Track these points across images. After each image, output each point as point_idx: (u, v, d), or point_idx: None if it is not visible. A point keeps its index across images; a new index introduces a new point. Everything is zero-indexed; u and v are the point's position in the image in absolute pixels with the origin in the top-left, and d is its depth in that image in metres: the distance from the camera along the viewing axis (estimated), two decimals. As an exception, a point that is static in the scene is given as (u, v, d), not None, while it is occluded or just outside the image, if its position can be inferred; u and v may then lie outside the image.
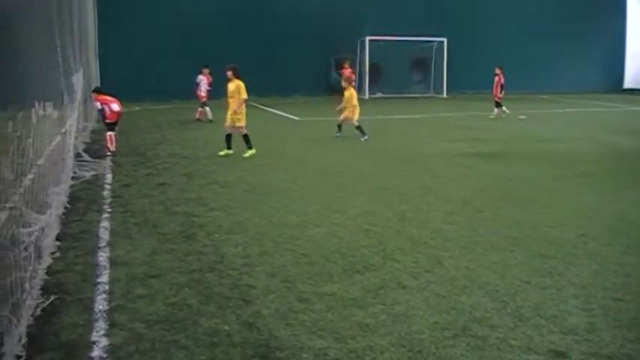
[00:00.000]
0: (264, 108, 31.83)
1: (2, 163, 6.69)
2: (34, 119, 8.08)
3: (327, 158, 17.13)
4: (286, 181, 13.89)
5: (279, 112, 30.73)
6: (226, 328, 6.41)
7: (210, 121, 25.68)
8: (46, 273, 7.94)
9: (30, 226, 7.53)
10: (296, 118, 28.23)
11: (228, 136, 17.43)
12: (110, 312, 6.84)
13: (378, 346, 5.99)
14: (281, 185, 13.47)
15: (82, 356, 5.85)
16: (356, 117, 21.50)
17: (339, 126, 21.94)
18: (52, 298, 7.16)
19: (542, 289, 7.52)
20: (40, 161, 10.54)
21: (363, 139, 20.71)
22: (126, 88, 26.71)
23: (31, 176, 8.76)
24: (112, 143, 17.70)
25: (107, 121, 17.83)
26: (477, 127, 24.65)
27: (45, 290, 7.39)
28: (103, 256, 8.75)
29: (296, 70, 38.80)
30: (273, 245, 9.21)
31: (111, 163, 16.33)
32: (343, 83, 22.24)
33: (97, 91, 18.87)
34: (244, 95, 17.05)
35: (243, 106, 17.29)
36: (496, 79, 28.39)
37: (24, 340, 5.98)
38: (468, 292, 7.40)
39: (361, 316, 6.68)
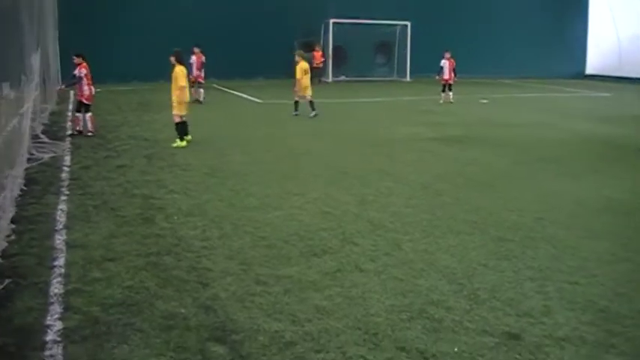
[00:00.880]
0: (227, 90, 31.65)
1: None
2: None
3: (288, 141, 17.09)
4: (247, 164, 13.84)
5: (242, 95, 30.55)
6: (183, 311, 6.40)
7: (200, 102, 25.53)
8: (1, 256, 7.84)
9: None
10: (258, 100, 28.11)
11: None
12: (66, 295, 6.79)
13: (333, 329, 6.02)
14: (241, 168, 13.42)
15: (36, 341, 5.80)
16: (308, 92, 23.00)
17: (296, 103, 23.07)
18: (6, 282, 7.08)
19: (499, 272, 7.62)
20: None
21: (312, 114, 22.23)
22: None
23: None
24: (92, 124, 17.64)
25: (85, 102, 17.50)
26: (438, 112, 24.73)
27: (-1, 274, 7.31)
28: (59, 239, 8.67)
29: (259, 53, 38.49)
30: (232, 228, 9.20)
31: (69, 145, 16.11)
32: (297, 58, 23.28)
33: (81, 55, 17.95)
34: (181, 82, 15.96)
35: (179, 93, 15.98)
36: (448, 63, 28.33)
37: (-24, 324, 5.93)
38: (426, 275, 7.46)
39: (318, 299, 6.72)
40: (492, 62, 45.04)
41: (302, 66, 23.03)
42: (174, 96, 15.96)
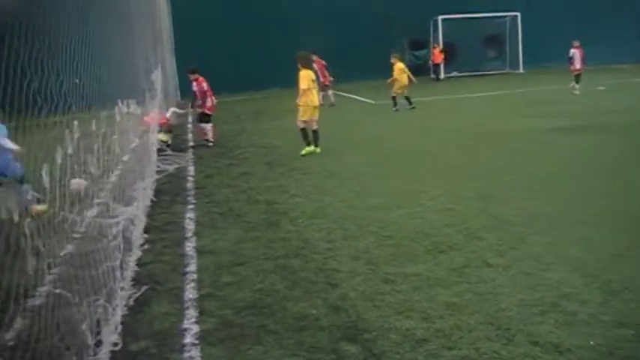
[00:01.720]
0: (341, 93, 31.86)
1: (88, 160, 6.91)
2: (117, 117, 8.29)
3: (403, 140, 17.07)
4: (364, 165, 13.90)
5: (355, 97, 30.75)
6: (314, 311, 6.48)
7: (332, 104, 26.33)
8: (137, 264, 8.17)
9: (116, 216, 7.75)
10: (372, 101, 28.18)
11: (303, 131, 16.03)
12: (199, 300, 7.00)
13: (465, 325, 5.97)
14: (359, 169, 13.49)
15: (175, 344, 6.01)
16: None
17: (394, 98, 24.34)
18: (144, 288, 7.37)
19: (632, 262, 7.36)
20: (126, 157, 10.84)
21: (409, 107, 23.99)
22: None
23: (117, 172, 9.03)
24: (212, 134, 18.23)
25: (206, 112, 18.13)
26: (554, 102, 24.16)
27: (136, 281, 7.62)
28: (189, 246, 8.96)
29: (370, 54, 38.59)
30: (356, 228, 9.26)
31: (192, 156, 16.62)
32: (392, 60, 24.82)
33: (195, 70, 18.36)
34: (303, 85, 15.43)
35: (305, 97, 15.52)
36: (577, 52, 27.33)
37: (119, 328, 6.19)
38: (555, 268, 7.29)
39: (447, 296, 6.67)
40: (608, 47, 43.55)
41: (399, 66, 24.48)
42: (299, 99, 15.64)
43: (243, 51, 36.56)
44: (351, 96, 30.98)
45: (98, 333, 5.80)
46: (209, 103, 17.98)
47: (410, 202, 10.52)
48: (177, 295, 7.19)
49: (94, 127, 7.95)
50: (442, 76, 40.54)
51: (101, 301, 5.97)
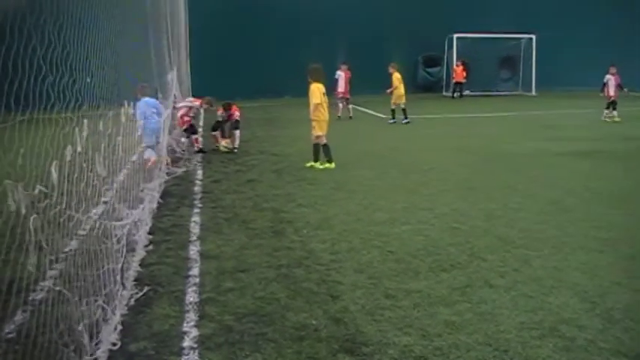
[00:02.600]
0: (355, 107, 31.90)
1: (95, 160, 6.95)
2: (122, 118, 8.33)
3: (413, 156, 17.07)
4: (372, 179, 13.92)
5: (366, 110, 30.79)
6: (314, 322, 6.50)
7: (350, 117, 26.48)
8: (140, 265, 8.21)
9: (122, 220, 7.79)
10: (382, 115, 28.19)
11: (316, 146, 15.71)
12: (200, 304, 7.03)
13: (464, 344, 5.98)
14: (367, 183, 13.52)
15: (174, 346, 6.04)
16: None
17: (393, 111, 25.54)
18: (146, 289, 7.40)
19: (633, 290, 7.35)
20: (134, 157, 10.88)
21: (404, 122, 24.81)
22: (215, 87, 27.09)
23: (124, 172, 9.07)
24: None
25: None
26: (565, 126, 24.14)
27: (139, 282, 7.66)
28: (193, 250, 8.99)
29: (384, 69, 38.71)
30: (361, 242, 9.27)
31: (201, 160, 16.67)
32: (390, 69, 26.31)
33: (229, 106, 18.60)
34: (315, 100, 15.14)
35: (317, 112, 15.23)
36: (613, 78, 26.66)
37: (119, 328, 6.22)
38: (556, 292, 7.30)
39: (447, 314, 6.68)
40: (621, 73, 43.51)
41: (397, 76, 25.68)
42: (312, 114, 15.27)
43: (258, 58, 36.73)
44: (365, 110, 31.03)
45: (97, 332, 5.83)
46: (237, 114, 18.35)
47: (416, 218, 10.53)
48: (179, 298, 7.22)
49: (101, 126, 8.00)
50: (464, 92, 40.46)
51: (100, 302, 6.00)
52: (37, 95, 5.13)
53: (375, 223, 10.30)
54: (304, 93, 15.71)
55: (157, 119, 13.51)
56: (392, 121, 25.23)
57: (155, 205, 11.16)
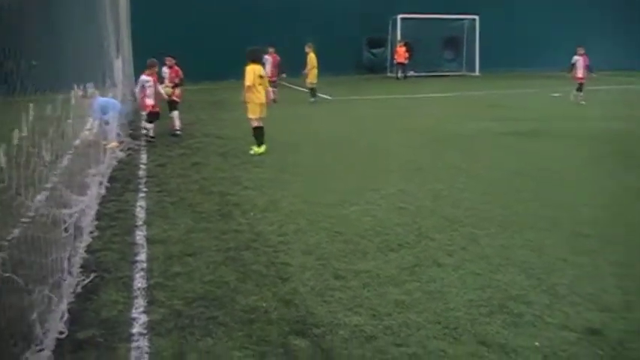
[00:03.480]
0: (297, 88, 31.78)
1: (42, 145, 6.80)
2: (72, 101, 8.17)
3: (359, 137, 17.10)
4: (319, 161, 13.93)
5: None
6: (264, 305, 6.48)
7: (274, 101, 25.90)
8: (86, 251, 8.06)
9: (70, 207, 7.65)
10: (328, 97, 28.19)
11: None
12: (149, 289, 6.95)
13: (414, 323, 6.03)
14: (314, 165, 13.52)
15: (123, 333, 5.96)
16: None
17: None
18: (92, 276, 7.27)
19: (578, 267, 7.51)
20: (78, 142, 10.69)
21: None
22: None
23: (69, 157, 8.90)
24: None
25: (176, 99, 18.19)
26: (509, 106, 24.45)
27: (85, 268, 7.51)
28: (140, 235, 8.87)
29: (329, 49, 38.65)
30: (308, 223, 9.27)
31: (145, 144, 16.46)
32: (307, 49, 26.94)
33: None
34: (246, 81, 14.62)
35: (249, 94, 14.76)
36: (581, 59, 25.67)
37: (66, 316, 6.10)
38: (504, 270, 7.40)
39: (397, 294, 6.73)
40: (565, 54, 44.18)
41: (312, 56, 26.49)
42: (244, 97, 14.90)
43: (202, 41, 36.29)
44: (308, 91, 30.92)
45: (44, 321, 5.72)
46: (178, 91, 18.01)
47: (363, 199, 10.56)
48: (126, 284, 7.12)
49: (49, 111, 7.82)
50: (408, 74, 40.59)
51: (47, 290, 5.88)
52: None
53: (322, 204, 10.30)
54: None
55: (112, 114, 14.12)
56: (313, 99, 26.11)
57: (103, 191, 10.98)
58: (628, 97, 28.18)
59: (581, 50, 25.80)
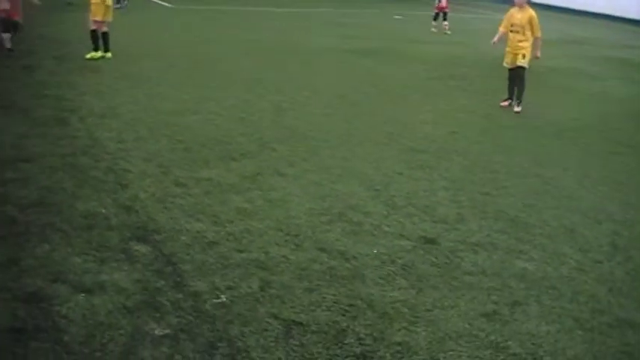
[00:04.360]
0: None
1: None
2: None
3: (201, 48, 16.76)
4: (160, 70, 13.57)
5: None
6: (103, 211, 6.36)
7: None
8: None
9: None
10: (168, 5, 27.36)
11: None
12: (-22, 196, 6.63)
13: (256, 230, 6.12)
14: (154, 73, 13.17)
15: (-51, 240, 5.68)
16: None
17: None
18: None
19: (414, 180, 7.85)
20: None
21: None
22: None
23: None
24: None
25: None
26: (352, 25, 24.58)
27: None
28: (-35, 141, 8.39)
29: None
30: (148, 131, 9.11)
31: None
32: None
33: None
34: None
35: None
36: None
37: None
38: (344, 180, 7.62)
39: (239, 202, 6.79)
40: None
41: None
42: None
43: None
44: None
45: None
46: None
47: (204, 109, 10.50)
48: (-46, 192, 6.76)
49: None
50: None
51: None
52: None
53: (163, 112, 10.14)
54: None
55: None
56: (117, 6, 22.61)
57: None
58: (478, 25, 28.93)
59: None
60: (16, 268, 5.16)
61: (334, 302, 4.94)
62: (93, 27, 14.22)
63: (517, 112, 11.77)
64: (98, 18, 14.11)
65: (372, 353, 4.35)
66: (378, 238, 6.16)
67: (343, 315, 4.77)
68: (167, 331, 4.42)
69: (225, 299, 4.87)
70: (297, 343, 4.39)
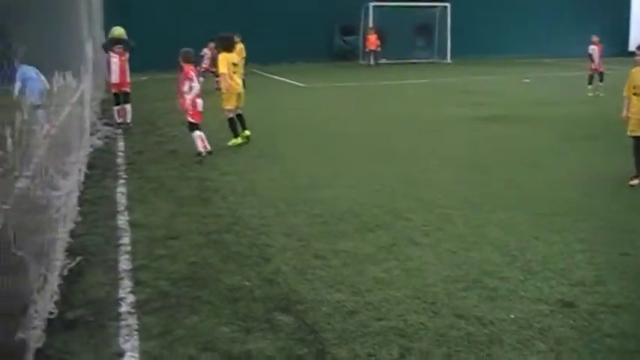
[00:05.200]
0: (268, 75, 31.92)
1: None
2: (54, 88, 8.27)
3: (334, 123, 17.30)
4: (294, 146, 14.12)
5: (283, 79, 30.81)
6: (247, 283, 6.67)
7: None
8: (70, 236, 8.17)
9: (58, 190, 7.73)
10: (301, 84, 28.32)
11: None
12: (134, 271, 7.11)
13: (393, 298, 6.26)
14: (289, 150, 13.71)
15: (111, 312, 6.11)
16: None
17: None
18: (78, 259, 7.38)
19: (549, 244, 7.78)
20: (53, 131, 10.73)
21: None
22: (131, 58, 26.83)
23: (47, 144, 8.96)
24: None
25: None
26: (481, 92, 24.70)
27: (70, 252, 7.63)
28: (122, 220, 9.02)
29: (301, 37, 38.78)
30: (287, 206, 9.47)
31: (121, 132, 16.51)
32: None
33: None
34: (222, 68, 14.35)
35: (224, 83, 14.45)
36: (597, 49, 23.76)
37: (55, 297, 6.25)
38: (478, 247, 7.66)
39: (376, 271, 6.95)
40: (531, 42, 44.87)
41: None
42: (219, 86, 14.39)
43: (176, 29, 36.24)
44: (281, 78, 31.07)
45: (35, 302, 5.84)
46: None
47: (338, 183, 10.80)
48: (112, 266, 7.26)
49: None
50: (380, 61, 40.68)
51: (43, 269, 6.00)
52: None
53: (299, 188, 10.51)
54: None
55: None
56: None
57: (82, 178, 11.07)
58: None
59: (595, 39, 24.09)
60: (170, 338, 5.52)
61: (473, 367, 5.00)
62: (231, 115, 14.52)
63: None
64: (233, 106, 14.42)
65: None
66: (515, 302, 6.16)
67: (482, 379, 4.83)
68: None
69: (366, 366, 5.03)
70: (438, 407, 4.48)
